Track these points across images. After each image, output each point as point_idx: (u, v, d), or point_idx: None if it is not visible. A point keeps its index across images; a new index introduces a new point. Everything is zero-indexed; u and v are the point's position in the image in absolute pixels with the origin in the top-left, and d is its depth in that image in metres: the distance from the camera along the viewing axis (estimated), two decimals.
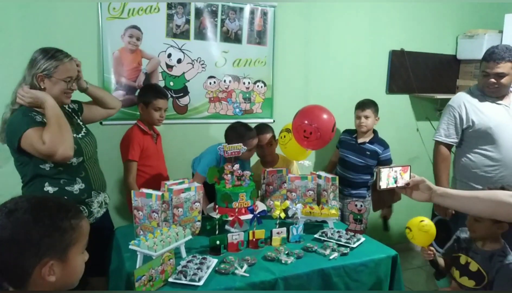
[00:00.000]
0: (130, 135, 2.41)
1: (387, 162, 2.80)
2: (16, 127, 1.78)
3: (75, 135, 1.91)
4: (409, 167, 1.61)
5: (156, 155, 2.50)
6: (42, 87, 1.84)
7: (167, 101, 2.50)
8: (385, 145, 2.88)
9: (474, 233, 1.76)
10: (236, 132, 2.38)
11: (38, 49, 1.88)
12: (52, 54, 1.84)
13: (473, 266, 1.73)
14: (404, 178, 1.60)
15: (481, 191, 1.53)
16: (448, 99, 3.69)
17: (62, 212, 1.01)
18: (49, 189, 1.87)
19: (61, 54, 1.87)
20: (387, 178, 1.59)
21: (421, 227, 1.70)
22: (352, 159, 2.82)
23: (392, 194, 1.66)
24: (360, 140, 2.86)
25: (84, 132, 2.02)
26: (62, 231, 0.99)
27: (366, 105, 2.87)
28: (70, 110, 2.05)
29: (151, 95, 2.42)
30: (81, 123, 2.08)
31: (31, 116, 1.81)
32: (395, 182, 1.60)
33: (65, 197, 1.85)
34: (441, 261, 1.86)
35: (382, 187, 1.59)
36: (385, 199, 1.71)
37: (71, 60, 1.89)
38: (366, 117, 2.83)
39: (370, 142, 2.85)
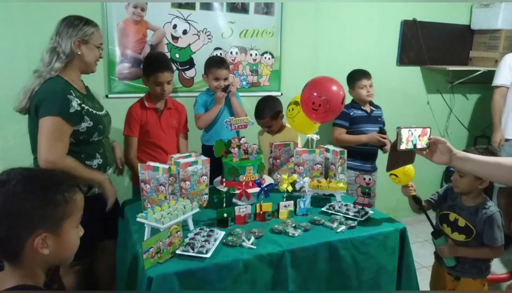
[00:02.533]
0: (130, 110, 2.40)
1: (384, 123, 2.94)
2: (53, 102, 1.78)
3: (99, 112, 2.00)
4: (428, 129, 1.57)
5: (157, 131, 2.43)
6: (79, 52, 1.87)
7: (171, 74, 2.39)
8: (379, 108, 2.99)
9: (457, 188, 1.95)
10: (209, 61, 2.62)
11: (65, 17, 1.90)
12: (85, 21, 1.91)
13: (461, 222, 1.95)
14: (423, 141, 1.57)
15: (502, 157, 1.49)
16: (461, 71, 3.64)
17: (54, 185, 1.00)
18: None
19: (91, 22, 1.93)
20: (408, 140, 1.56)
21: (405, 171, 1.97)
22: (370, 131, 2.81)
23: (410, 156, 1.65)
24: (367, 109, 2.89)
25: (105, 111, 2.09)
26: (54, 203, 0.98)
27: (367, 73, 2.86)
28: (86, 85, 2.08)
29: (152, 68, 2.35)
30: (101, 102, 2.14)
31: (69, 100, 1.81)
32: (414, 145, 1.57)
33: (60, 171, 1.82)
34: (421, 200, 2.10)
35: (402, 149, 1.56)
36: (400, 160, 1.71)
37: (99, 28, 1.97)
38: (371, 85, 2.86)
39: (374, 107, 2.93)
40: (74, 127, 1.84)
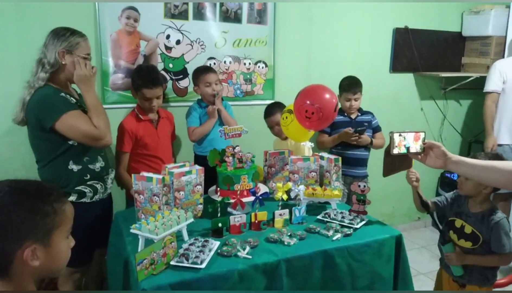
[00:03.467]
0: (123, 124, 2.37)
1: (378, 129, 2.96)
2: (53, 107, 1.85)
3: None
4: (422, 133, 1.58)
5: (155, 142, 2.42)
6: (63, 63, 1.90)
7: (161, 89, 2.38)
8: (370, 113, 3.00)
9: (462, 191, 1.95)
10: (196, 71, 2.65)
11: (53, 29, 1.95)
12: (71, 31, 1.94)
13: (468, 229, 1.92)
14: (417, 145, 1.57)
15: (497, 161, 1.50)
16: (453, 77, 3.66)
17: (43, 196, 0.99)
18: (73, 167, 1.96)
19: (77, 33, 1.96)
20: (400, 145, 1.57)
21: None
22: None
23: (406, 160, 1.66)
24: (353, 116, 2.92)
25: None
26: (43, 214, 0.97)
27: (355, 86, 2.85)
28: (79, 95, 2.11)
29: (140, 83, 2.33)
30: None
31: (66, 97, 1.91)
32: (408, 149, 1.57)
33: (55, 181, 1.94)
34: (424, 198, 2.08)
35: (394, 152, 1.57)
36: (397, 165, 1.72)
37: (87, 39, 1.99)
38: (356, 100, 2.87)
39: (361, 113, 2.95)
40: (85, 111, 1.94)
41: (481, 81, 3.48)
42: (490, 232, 1.87)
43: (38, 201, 0.97)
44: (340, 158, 2.28)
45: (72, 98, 1.97)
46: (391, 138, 1.59)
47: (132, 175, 1.90)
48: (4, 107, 2.40)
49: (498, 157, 1.88)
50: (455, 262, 1.94)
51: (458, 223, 1.97)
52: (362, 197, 2.05)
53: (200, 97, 2.68)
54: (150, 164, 2.40)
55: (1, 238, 0.92)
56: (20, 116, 1.92)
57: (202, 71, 2.61)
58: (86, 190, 2.00)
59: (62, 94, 1.93)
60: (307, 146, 2.38)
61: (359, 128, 2.78)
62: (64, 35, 1.91)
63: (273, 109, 2.71)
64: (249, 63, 3.00)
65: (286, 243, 1.73)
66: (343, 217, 1.96)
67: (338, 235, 1.81)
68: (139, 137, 2.37)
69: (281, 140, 2.78)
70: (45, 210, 0.97)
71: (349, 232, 1.84)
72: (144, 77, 2.34)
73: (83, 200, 2.00)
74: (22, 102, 1.91)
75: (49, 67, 1.89)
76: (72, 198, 1.95)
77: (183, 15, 2.72)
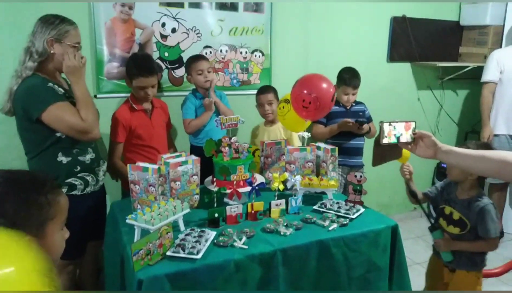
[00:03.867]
0: (116, 115, 2.33)
1: (370, 119, 2.94)
2: (39, 97, 1.81)
3: None
4: (413, 123, 1.58)
5: (149, 132, 2.38)
6: (52, 51, 1.86)
7: (156, 77, 2.34)
8: (362, 103, 2.99)
9: (451, 176, 2.02)
10: (188, 60, 2.62)
11: (42, 16, 1.88)
12: (60, 19, 1.88)
13: (456, 215, 1.99)
14: (407, 135, 1.56)
15: (487, 150, 1.50)
16: (451, 67, 3.65)
17: (37, 186, 0.98)
18: (63, 159, 1.94)
19: (67, 21, 1.90)
20: (390, 135, 1.56)
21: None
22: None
23: (395, 150, 1.65)
24: (347, 106, 2.90)
25: None
26: (37, 205, 0.96)
27: (356, 81, 2.83)
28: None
29: (135, 72, 2.29)
30: None
31: (53, 88, 1.86)
32: (398, 139, 1.56)
33: (49, 171, 1.89)
34: (418, 192, 2.13)
35: (384, 142, 1.56)
36: (387, 155, 1.71)
37: (77, 27, 1.94)
38: (354, 94, 2.86)
39: (355, 103, 2.93)
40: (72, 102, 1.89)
41: (478, 71, 3.47)
42: (477, 218, 1.92)
43: (32, 192, 0.96)
44: (336, 148, 2.27)
45: (60, 88, 1.91)
46: (381, 128, 1.58)
47: (128, 165, 1.89)
48: None
49: (487, 146, 1.91)
50: (443, 248, 1.99)
51: (447, 210, 2.03)
52: (358, 187, 2.05)
53: (194, 87, 2.65)
54: (145, 154, 2.38)
55: None
56: (7, 106, 1.89)
57: (194, 59, 2.58)
58: (76, 183, 1.97)
59: (50, 84, 1.87)
60: (305, 136, 2.36)
61: (360, 119, 2.77)
62: (53, 23, 1.85)
63: (267, 88, 2.75)
64: (246, 52, 2.97)
65: (282, 233, 1.73)
66: (339, 207, 1.96)
67: (334, 225, 1.81)
68: (133, 127, 2.33)
69: (266, 127, 2.77)
70: (39, 202, 0.96)
71: (345, 222, 1.84)
72: (139, 66, 2.30)
73: (74, 192, 1.96)
74: (10, 92, 1.87)
75: (37, 56, 1.85)
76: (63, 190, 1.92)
77: (178, 3, 2.68)
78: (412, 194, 2.13)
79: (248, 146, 2.11)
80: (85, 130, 1.86)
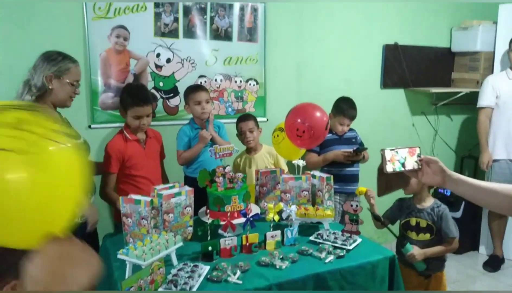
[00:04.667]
0: (109, 145, 2.28)
1: (362, 144, 2.92)
2: None
3: (76, 141, 1.98)
4: (417, 148, 1.47)
5: (144, 162, 2.33)
6: (50, 87, 1.90)
7: (151, 107, 2.30)
8: (353, 130, 2.98)
9: (409, 191, 2.22)
10: (186, 90, 2.58)
11: (45, 52, 1.94)
12: (63, 56, 1.95)
13: (423, 223, 2.20)
14: (412, 161, 1.47)
15: (499, 184, 1.45)
16: (444, 93, 3.68)
17: None
18: None
19: (69, 58, 1.97)
20: (393, 160, 1.49)
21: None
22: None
23: (402, 179, 1.59)
24: (340, 133, 2.88)
25: (82, 140, 2.12)
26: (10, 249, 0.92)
27: (354, 112, 2.83)
28: (66, 119, 2.11)
29: (130, 101, 2.25)
30: (76, 132, 2.12)
31: None
32: (403, 165, 1.50)
33: None
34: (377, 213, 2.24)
35: (388, 171, 1.47)
36: (393, 184, 1.65)
37: (78, 65, 2.01)
38: (349, 125, 2.86)
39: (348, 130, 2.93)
40: None
41: (471, 96, 3.50)
42: (441, 221, 2.17)
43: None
44: (332, 176, 2.25)
45: None
46: (383, 156, 1.51)
47: (120, 197, 1.86)
48: None
49: None
50: (418, 258, 2.11)
51: (413, 221, 2.22)
52: (355, 217, 2.03)
53: (192, 117, 2.63)
54: (138, 185, 2.32)
55: None
56: None
57: (192, 89, 2.55)
58: None
59: None
60: (300, 164, 2.35)
61: (360, 148, 2.75)
62: (55, 59, 1.91)
63: (247, 116, 2.72)
64: (240, 81, 2.99)
65: (278, 267, 1.69)
66: (335, 238, 1.93)
67: (331, 257, 1.77)
68: (127, 157, 2.29)
69: (251, 155, 2.70)
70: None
71: (342, 254, 1.81)
72: (133, 95, 2.28)
73: None
74: None
75: (35, 91, 1.88)
76: None
77: (173, 34, 2.71)
78: (376, 219, 2.21)
79: (242, 176, 2.09)
80: None
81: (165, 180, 2.51)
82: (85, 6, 2.47)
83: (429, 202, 2.23)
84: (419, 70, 3.69)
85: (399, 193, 2.38)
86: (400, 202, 2.33)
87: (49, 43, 2.40)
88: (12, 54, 2.36)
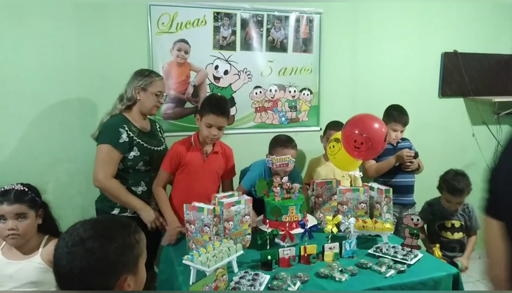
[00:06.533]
0: (173, 146, 2.30)
1: (417, 154, 2.79)
2: (104, 133, 2.18)
3: (152, 147, 2.29)
4: None
5: (201, 173, 2.28)
6: (138, 98, 2.22)
7: (226, 120, 2.25)
8: (408, 140, 2.96)
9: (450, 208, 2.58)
10: (275, 140, 2.48)
11: (137, 70, 2.28)
12: (148, 73, 2.26)
13: (457, 224, 2.56)
14: None
15: None
16: (507, 102, 3.50)
17: (126, 230, 1.07)
18: None
19: (154, 73, 2.29)
20: None
21: None
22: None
23: None
24: (394, 143, 2.86)
25: (162, 148, 2.38)
26: (131, 247, 1.05)
27: (405, 117, 2.82)
28: (158, 129, 2.45)
29: (207, 108, 2.23)
30: (163, 140, 2.44)
31: (120, 132, 2.16)
32: None
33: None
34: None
35: None
36: None
37: (162, 79, 2.29)
38: (402, 131, 2.84)
39: (400, 140, 2.89)
40: (123, 154, 2.17)
41: None
42: (471, 219, 2.56)
43: (125, 236, 1.05)
44: (391, 189, 2.22)
45: (130, 132, 2.19)
46: None
47: (184, 205, 1.94)
48: (62, 137, 2.56)
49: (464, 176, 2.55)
50: (467, 265, 2.51)
51: (448, 223, 2.56)
52: (415, 231, 1.98)
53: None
54: (188, 193, 2.25)
55: (103, 277, 0.99)
56: (95, 134, 2.23)
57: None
58: (126, 211, 2.22)
59: (125, 126, 2.18)
60: (357, 176, 2.33)
61: (415, 151, 2.75)
62: (143, 74, 2.23)
63: (338, 124, 2.62)
64: (294, 91, 3.02)
65: (337, 279, 1.69)
66: (395, 252, 1.90)
67: (392, 272, 1.75)
68: (184, 162, 2.26)
69: (324, 160, 2.76)
70: (131, 243, 1.05)
71: (403, 269, 1.78)
72: (213, 104, 2.25)
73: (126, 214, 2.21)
74: (100, 122, 2.25)
75: (126, 101, 2.23)
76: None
77: (231, 46, 2.80)
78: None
79: (299, 187, 2.11)
80: (95, 179, 2.16)
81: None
82: (149, 21, 2.62)
83: (459, 205, 2.55)
84: (480, 79, 3.54)
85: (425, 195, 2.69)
86: (430, 206, 2.64)
87: (116, 57, 2.59)
88: (83, 69, 2.55)
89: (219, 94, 2.39)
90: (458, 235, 2.54)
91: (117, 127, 2.16)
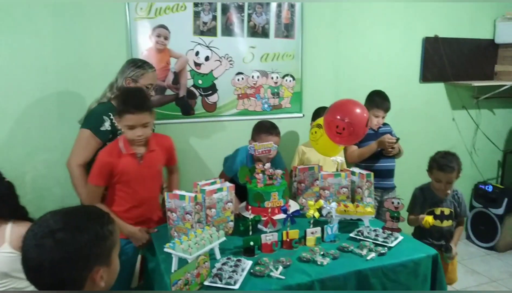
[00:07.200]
0: (99, 156, 1.99)
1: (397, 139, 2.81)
2: (88, 118, 2.14)
3: None
4: None
5: (139, 179, 2.01)
6: None
7: (146, 114, 1.92)
8: (388, 124, 2.96)
9: (440, 189, 2.47)
10: (259, 126, 2.45)
11: (130, 59, 2.31)
12: (140, 64, 2.19)
13: (447, 211, 2.48)
14: None
15: None
16: (486, 87, 3.56)
17: (99, 221, 1.05)
18: None
19: (147, 65, 2.21)
20: None
21: None
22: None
23: None
24: (375, 128, 2.87)
25: None
26: (104, 238, 1.03)
27: (387, 103, 2.84)
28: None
29: (121, 108, 1.92)
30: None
31: (104, 119, 2.12)
32: None
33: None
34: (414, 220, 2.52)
35: None
36: None
37: (154, 71, 2.24)
38: (383, 117, 2.86)
39: (381, 125, 2.90)
40: (104, 142, 2.11)
41: None
42: (460, 206, 2.51)
43: (97, 226, 1.02)
44: (372, 173, 2.24)
45: (109, 123, 2.14)
46: None
47: (165, 193, 1.93)
48: (40, 127, 2.50)
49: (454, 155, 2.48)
50: (455, 255, 2.48)
51: (437, 211, 2.47)
52: (396, 214, 2.01)
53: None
54: (126, 205, 2.06)
55: (74, 269, 0.97)
56: (82, 119, 2.19)
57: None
58: None
59: (110, 115, 2.12)
60: (338, 161, 2.35)
61: (397, 136, 2.77)
62: (135, 65, 2.17)
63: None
64: (277, 77, 3.00)
65: (319, 263, 1.70)
66: (376, 235, 1.92)
67: (372, 254, 1.77)
68: (118, 172, 1.97)
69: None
70: (104, 234, 1.03)
71: (384, 251, 1.80)
72: (126, 102, 1.93)
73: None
74: (88, 109, 2.21)
75: (115, 90, 2.18)
76: None
77: (211, 32, 2.76)
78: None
79: (281, 173, 2.11)
80: (67, 160, 2.14)
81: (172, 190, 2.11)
82: (127, 6, 2.55)
83: (450, 189, 2.46)
84: (460, 63, 3.58)
85: (422, 181, 2.62)
86: (421, 191, 2.54)
87: (94, 43, 2.53)
88: (59, 55, 2.48)
89: (133, 86, 2.07)
90: (447, 223, 2.48)
91: (102, 114, 2.11)
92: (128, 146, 1.98)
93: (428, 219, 2.28)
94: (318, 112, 2.73)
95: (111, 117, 2.11)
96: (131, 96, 1.98)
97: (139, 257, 2.25)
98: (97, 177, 1.97)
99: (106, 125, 2.11)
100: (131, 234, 2.05)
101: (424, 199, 2.51)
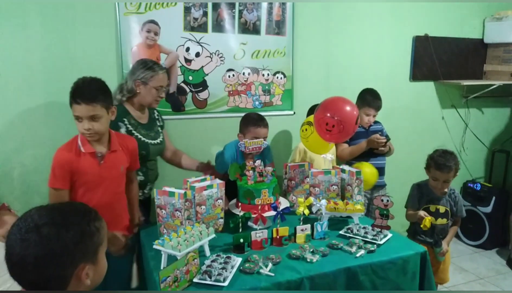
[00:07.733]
0: (56, 155, 1.80)
1: (388, 137, 2.82)
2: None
3: (149, 140, 2.21)
4: None
5: (99, 181, 1.83)
6: (138, 91, 2.15)
7: (93, 106, 1.73)
8: (379, 122, 2.96)
9: (436, 187, 2.45)
10: (247, 119, 2.44)
11: (139, 59, 2.26)
12: (150, 66, 2.17)
13: (442, 209, 2.45)
14: None
15: None
16: (475, 86, 3.59)
17: (85, 217, 1.03)
18: None
19: (157, 66, 2.19)
20: None
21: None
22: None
23: None
24: (366, 126, 2.87)
25: (159, 140, 2.30)
26: (91, 235, 1.01)
27: (379, 102, 2.84)
28: (157, 116, 2.37)
29: (70, 98, 1.76)
30: (160, 130, 2.35)
31: (118, 125, 2.08)
32: None
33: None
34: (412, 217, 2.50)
35: None
36: None
37: (165, 72, 2.22)
38: (375, 115, 2.86)
39: (372, 123, 2.89)
40: None
41: (504, 89, 3.42)
42: (456, 205, 2.49)
43: (83, 223, 1.00)
44: (361, 170, 2.25)
45: (130, 125, 2.14)
46: None
47: (155, 189, 1.91)
48: (28, 122, 2.46)
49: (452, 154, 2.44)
50: (446, 251, 2.47)
51: (433, 208, 2.45)
52: (385, 212, 2.02)
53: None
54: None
55: (58, 266, 0.95)
56: None
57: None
58: None
59: (124, 120, 2.12)
60: (328, 158, 2.35)
61: (387, 135, 2.77)
62: (145, 66, 2.15)
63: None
64: (268, 74, 3.00)
65: (308, 260, 1.71)
66: (366, 233, 1.93)
67: (362, 252, 1.78)
68: (76, 172, 1.79)
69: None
70: (91, 231, 1.01)
71: (373, 249, 1.81)
72: (73, 90, 1.76)
73: None
74: None
75: (126, 92, 2.17)
76: None
77: (202, 28, 2.74)
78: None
79: (272, 170, 2.11)
80: None
81: (134, 201, 2.10)
82: (117, 1, 2.52)
83: (446, 190, 2.44)
84: (450, 62, 3.61)
85: (412, 178, 2.64)
86: (419, 188, 2.52)
87: (83, 39, 2.49)
88: (46, 47, 2.44)
89: (88, 77, 1.81)
90: (441, 221, 2.43)
91: (116, 120, 2.00)
92: (86, 143, 1.80)
93: (426, 223, 2.31)
94: (313, 110, 2.72)
95: (125, 122, 2.12)
96: (81, 85, 1.78)
97: (135, 256, 2.22)
98: (57, 179, 1.77)
99: (122, 131, 2.09)
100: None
101: (421, 195, 2.49)
